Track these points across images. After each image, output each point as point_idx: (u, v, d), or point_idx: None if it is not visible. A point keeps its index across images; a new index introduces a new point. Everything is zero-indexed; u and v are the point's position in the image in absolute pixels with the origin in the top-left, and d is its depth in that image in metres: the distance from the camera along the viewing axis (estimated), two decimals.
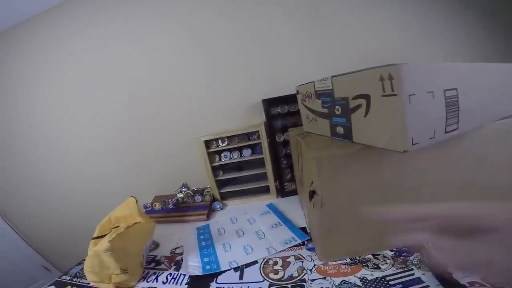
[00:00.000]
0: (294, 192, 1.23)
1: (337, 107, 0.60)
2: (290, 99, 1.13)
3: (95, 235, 0.87)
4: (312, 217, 0.79)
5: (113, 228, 0.90)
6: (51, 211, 1.69)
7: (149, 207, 1.33)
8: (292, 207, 1.13)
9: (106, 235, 0.82)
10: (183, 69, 1.30)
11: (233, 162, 1.28)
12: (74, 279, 0.91)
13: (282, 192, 1.26)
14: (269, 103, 1.16)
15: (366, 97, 0.50)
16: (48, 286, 0.88)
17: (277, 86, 1.18)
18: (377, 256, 0.73)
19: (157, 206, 1.30)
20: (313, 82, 0.69)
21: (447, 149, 0.63)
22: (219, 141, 1.24)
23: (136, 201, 0.97)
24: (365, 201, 0.67)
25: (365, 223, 0.70)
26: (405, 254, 0.71)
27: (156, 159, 1.47)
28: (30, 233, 1.77)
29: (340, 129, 0.62)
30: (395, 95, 0.43)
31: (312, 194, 0.67)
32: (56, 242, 1.77)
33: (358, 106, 0.52)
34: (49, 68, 1.38)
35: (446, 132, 0.50)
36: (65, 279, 0.91)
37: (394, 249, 0.73)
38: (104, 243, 0.77)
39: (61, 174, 1.59)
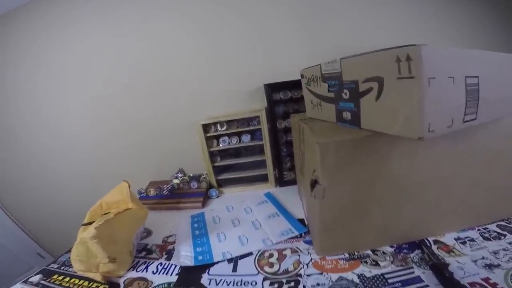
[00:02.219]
0: (293, 182, 1.20)
1: (345, 90, 0.56)
2: (293, 85, 1.10)
3: (85, 221, 0.83)
4: (311, 209, 0.75)
5: (104, 214, 0.87)
6: (45, 195, 1.67)
7: (144, 192, 1.30)
8: (291, 197, 1.10)
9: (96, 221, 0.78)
10: (182, 51, 1.26)
11: (231, 148, 1.24)
12: (62, 268, 0.87)
13: (281, 181, 1.23)
14: (272, 88, 1.12)
15: (379, 79, 0.46)
16: (35, 274, 0.84)
17: (280, 71, 1.15)
18: (376, 252, 0.70)
19: (152, 192, 1.27)
20: (320, 64, 0.65)
21: (461, 141, 0.60)
22: (218, 125, 1.20)
23: (129, 185, 0.94)
24: (370, 194, 0.64)
25: (368, 217, 0.67)
26: (405, 251, 0.69)
27: (152, 143, 1.44)
28: (24, 219, 1.76)
29: (347, 115, 0.59)
30: (412, 77, 0.40)
31: (314, 183, 0.62)
32: (50, 228, 1.75)
33: (369, 90, 0.49)
34: (49, 51, 1.35)
35: (464, 122, 0.46)
36: (53, 268, 0.87)
37: (395, 245, 0.71)
38: (90, 230, 0.73)
39: (57, 159, 1.56)
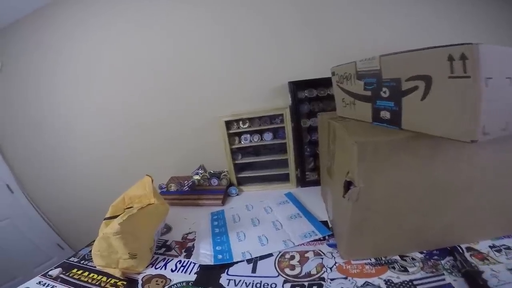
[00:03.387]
0: (315, 183, 1.17)
1: (385, 89, 0.54)
2: (319, 83, 1.08)
3: (107, 215, 0.83)
4: (340, 211, 0.73)
5: (127, 208, 0.87)
6: (69, 188, 1.71)
7: (164, 188, 1.29)
8: (312, 198, 1.07)
9: (119, 215, 0.77)
10: (206, 48, 1.25)
11: (252, 146, 1.23)
12: (81, 262, 0.87)
13: (303, 182, 1.21)
14: (296, 86, 1.10)
15: (426, 78, 0.44)
16: (55, 267, 0.84)
17: (306, 68, 1.13)
18: (405, 258, 0.67)
19: (173, 187, 1.27)
20: (355, 62, 0.62)
21: (507, 146, 0.56)
22: (240, 122, 1.19)
23: (152, 180, 0.93)
24: (406, 198, 0.61)
25: (401, 222, 0.64)
26: (436, 257, 0.66)
27: (175, 139, 1.44)
28: (47, 210, 1.80)
29: (385, 114, 0.56)
30: (468, 77, 0.38)
31: (348, 185, 0.60)
32: (72, 220, 1.79)
33: (414, 89, 0.46)
34: (70, 48, 1.38)
35: None
36: (73, 261, 0.88)
37: (425, 251, 0.68)
38: (114, 225, 0.72)
39: (81, 154, 1.61)
